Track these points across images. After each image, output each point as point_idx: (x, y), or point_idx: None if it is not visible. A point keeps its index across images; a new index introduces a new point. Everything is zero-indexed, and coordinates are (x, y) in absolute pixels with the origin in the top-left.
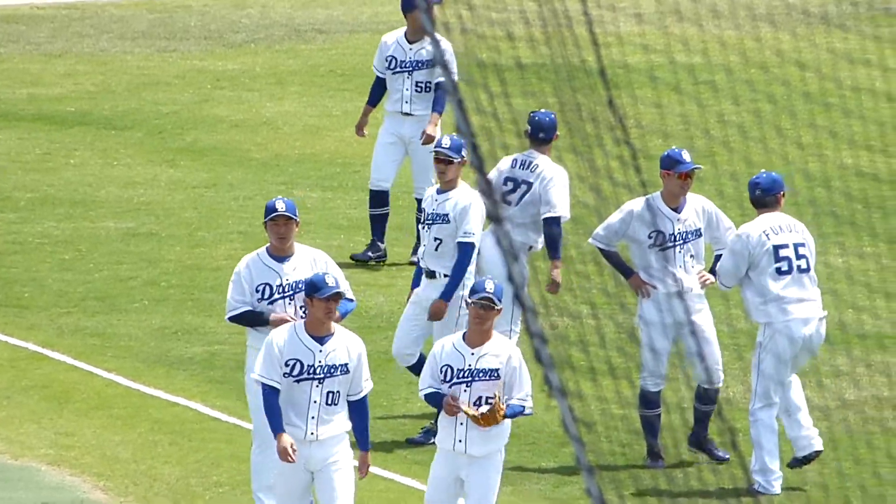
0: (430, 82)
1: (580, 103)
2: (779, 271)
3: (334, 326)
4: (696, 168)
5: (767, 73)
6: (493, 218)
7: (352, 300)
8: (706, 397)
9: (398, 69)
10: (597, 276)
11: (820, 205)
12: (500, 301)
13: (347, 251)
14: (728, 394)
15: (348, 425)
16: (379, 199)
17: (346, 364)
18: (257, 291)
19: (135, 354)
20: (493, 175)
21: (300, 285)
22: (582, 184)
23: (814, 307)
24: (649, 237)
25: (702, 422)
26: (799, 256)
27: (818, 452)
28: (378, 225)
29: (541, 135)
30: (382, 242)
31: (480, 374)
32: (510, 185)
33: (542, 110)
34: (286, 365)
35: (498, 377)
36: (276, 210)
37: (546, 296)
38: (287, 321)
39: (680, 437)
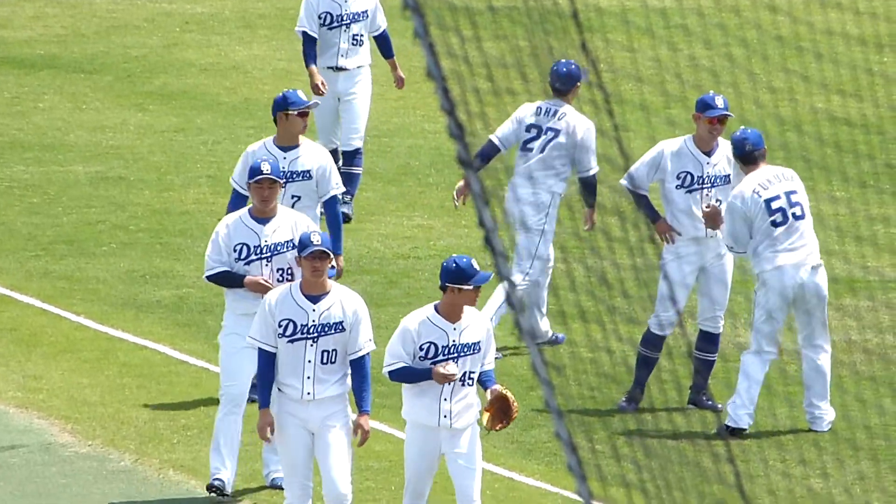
0: (363, 35)
1: (553, 47)
2: (774, 224)
3: (330, 284)
4: (726, 115)
5: (740, 16)
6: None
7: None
8: (708, 342)
9: (334, 24)
10: (568, 219)
11: (791, 149)
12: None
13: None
14: (739, 339)
15: (348, 386)
16: (349, 157)
17: (340, 322)
18: (235, 251)
19: (103, 298)
20: (510, 124)
21: (279, 247)
22: None
23: (805, 253)
24: (678, 177)
25: (700, 372)
26: (792, 204)
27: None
28: (355, 182)
29: (557, 85)
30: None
31: (465, 350)
32: (533, 133)
33: (563, 60)
34: (280, 325)
35: (480, 349)
36: (260, 172)
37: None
38: (261, 285)
39: (652, 380)
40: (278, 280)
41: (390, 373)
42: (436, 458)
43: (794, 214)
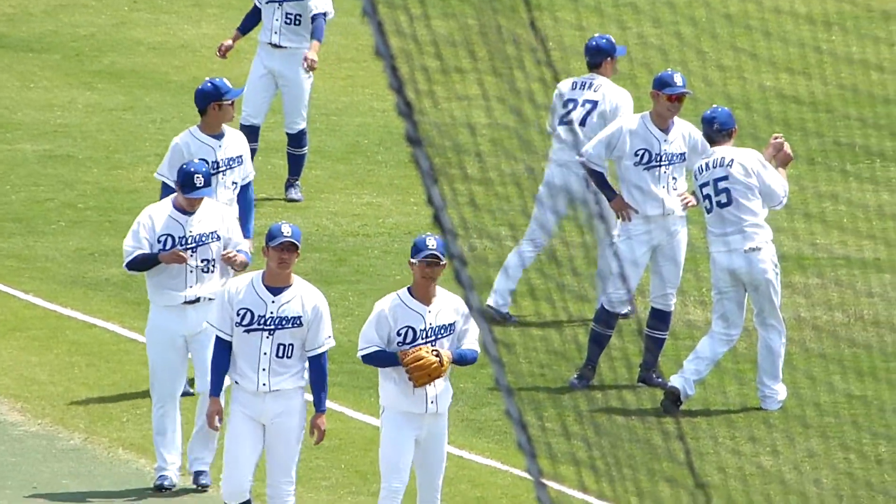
0: (300, 15)
1: (501, 25)
2: (706, 209)
3: (294, 278)
4: (684, 92)
5: None
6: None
7: (249, 256)
8: (659, 321)
9: (269, 0)
10: (517, 197)
11: (740, 127)
12: (444, 255)
13: (265, 173)
14: (689, 317)
15: (305, 381)
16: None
17: (298, 317)
18: (159, 242)
19: (52, 276)
20: (554, 102)
21: (204, 238)
22: (503, 105)
23: (737, 240)
24: (636, 154)
25: (651, 351)
26: (718, 191)
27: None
28: (298, 164)
29: (588, 59)
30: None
31: (442, 331)
32: (570, 106)
33: (597, 34)
34: (237, 314)
35: (454, 330)
36: (194, 186)
37: (466, 217)
38: (178, 256)
39: (601, 357)
40: (202, 271)
41: (363, 357)
42: (412, 444)
43: (718, 202)
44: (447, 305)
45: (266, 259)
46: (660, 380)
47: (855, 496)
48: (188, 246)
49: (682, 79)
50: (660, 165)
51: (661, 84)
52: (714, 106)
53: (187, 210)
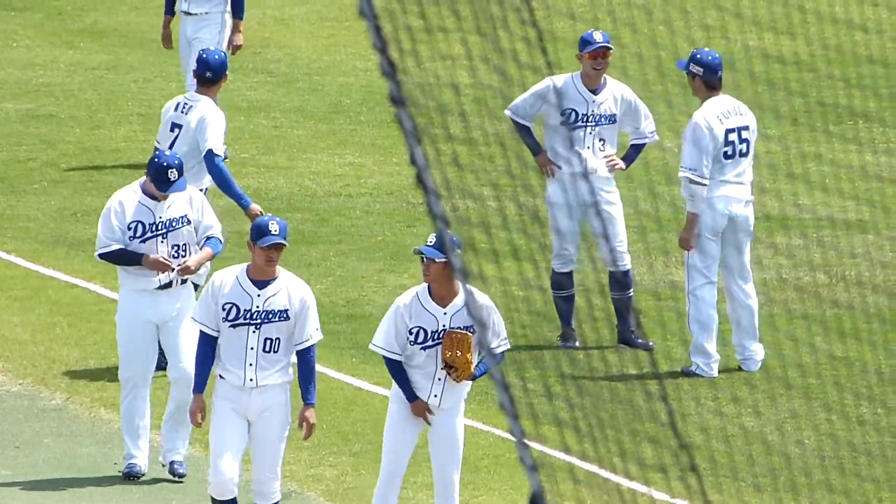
0: None
1: None
2: (725, 155)
3: (279, 271)
4: (604, 47)
5: None
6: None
7: (220, 241)
8: (619, 283)
9: None
10: (500, 157)
11: (725, 86)
12: (439, 254)
13: (247, 132)
14: (633, 274)
15: (290, 377)
16: None
17: (285, 310)
18: (129, 229)
19: (34, 236)
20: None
21: (174, 223)
22: (487, 65)
23: (741, 189)
24: (562, 114)
25: (622, 314)
26: (742, 140)
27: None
28: None
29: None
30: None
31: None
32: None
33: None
34: (223, 309)
35: (473, 331)
36: (168, 181)
37: (449, 178)
38: (161, 263)
39: (583, 318)
40: (173, 257)
41: (383, 356)
42: (415, 439)
43: (740, 151)
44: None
45: (252, 254)
46: (640, 340)
47: (837, 457)
48: (158, 232)
49: (604, 35)
50: (586, 126)
51: (583, 44)
52: (703, 48)
53: (157, 196)
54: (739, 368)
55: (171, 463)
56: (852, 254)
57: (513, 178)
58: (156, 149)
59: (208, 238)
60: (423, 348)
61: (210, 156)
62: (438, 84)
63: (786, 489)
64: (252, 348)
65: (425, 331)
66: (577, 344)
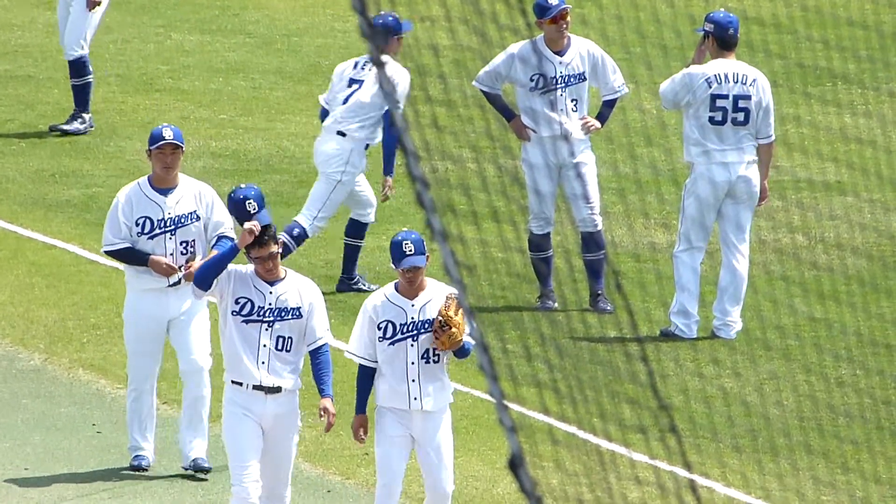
0: None
1: None
2: (711, 120)
3: (284, 271)
4: (562, 9)
5: None
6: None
7: (232, 239)
8: (592, 243)
9: None
10: (480, 119)
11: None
12: (425, 258)
13: (225, 94)
14: (612, 236)
15: (299, 384)
16: (76, 68)
17: (298, 308)
18: (137, 225)
19: (12, 197)
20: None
21: (183, 220)
22: (466, 27)
23: (737, 156)
24: (531, 80)
25: (590, 273)
26: (737, 109)
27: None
28: (80, 95)
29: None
30: (87, 112)
31: (426, 326)
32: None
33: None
34: (236, 303)
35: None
36: (162, 138)
37: (428, 139)
38: (164, 268)
39: (563, 280)
40: (181, 254)
41: (355, 361)
42: (407, 443)
43: (734, 119)
44: (436, 300)
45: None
46: (601, 304)
47: (816, 418)
48: (167, 228)
49: None
50: (556, 89)
51: (541, 10)
52: (725, 11)
53: (164, 188)
54: (713, 334)
55: (194, 460)
56: (831, 215)
57: (492, 139)
58: (324, 108)
59: (219, 238)
60: (392, 343)
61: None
62: (418, 46)
63: (765, 450)
64: (265, 345)
65: (393, 324)
66: (556, 305)
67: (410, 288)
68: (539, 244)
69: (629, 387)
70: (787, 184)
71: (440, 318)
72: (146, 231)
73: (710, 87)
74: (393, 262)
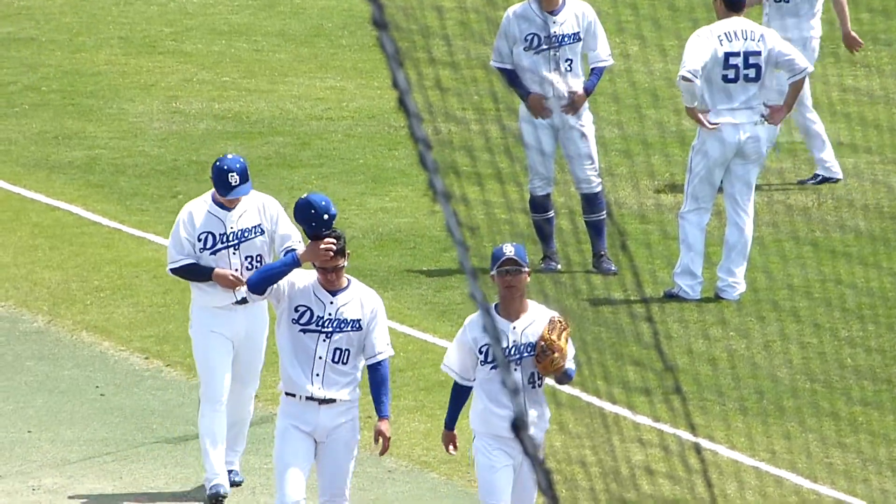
0: None
1: None
2: (725, 79)
3: (347, 280)
4: None
5: None
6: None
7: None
8: (587, 206)
9: None
10: (484, 80)
11: (678, 9)
12: (525, 261)
13: (228, 56)
14: (617, 197)
15: (357, 394)
16: None
17: (358, 320)
18: (199, 240)
19: (15, 159)
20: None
21: (246, 234)
22: None
23: (749, 115)
24: (526, 39)
25: (594, 233)
26: (748, 65)
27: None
28: None
29: None
30: None
31: (528, 350)
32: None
33: None
34: (295, 311)
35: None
36: (230, 186)
37: (432, 101)
38: (230, 280)
39: (569, 240)
40: (247, 269)
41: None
42: (510, 474)
43: (746, 76)
44: (539, 321)
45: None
46: (605, 265)
47: (825, 377)
48: (230, 243)
49: None
50: (550, 48)
51: None
52: None
53: (227, 205)
54: (717, 296)
55: (230, 472)
56: (843, 173)
57: (496, 101)
58: None
59: (286, 252)
60: (494, 367)
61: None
62: (421, 7)
63: (771, 411)
64: (321, 357)
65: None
66: (560, 266)
67: (511, 299)
68: (540, 204)
69: (634, 348)
70: (797, 143)
71: (542, 342)
72: (208, 246)
73: (722, 46)
74: (491, 269)
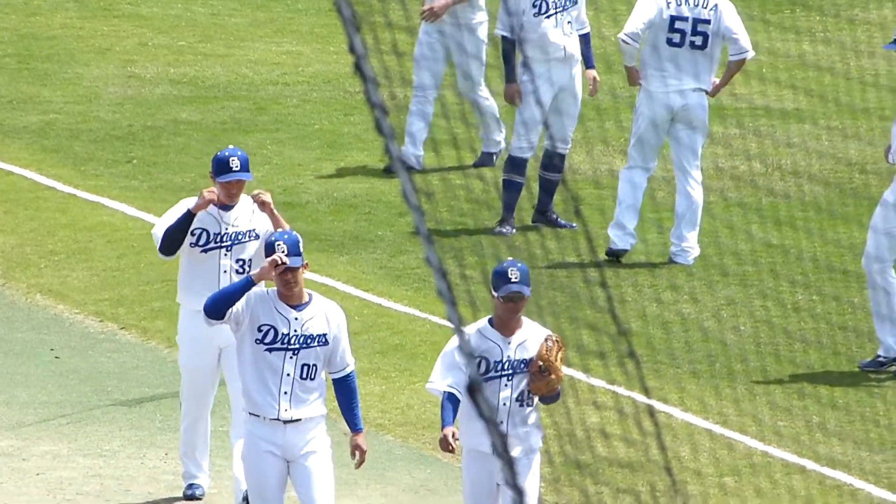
0: None
1: None
2: (669, 42)
3: (308, 294)
4: None
5: None
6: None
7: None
8: (553, 164)
9: None
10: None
11: None
12: (529, 284)
13: (184, 20)
14: (572, 162)
15: (325, 409)
16: None
17: (324, 334)
18: (192, 235)
19: None
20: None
21: (241, 237)
22: None
23: (693, 82)
24: (534, 6)
25: (549, 191)
26: (696, 32)
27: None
28: None
29: None
30: None
31: (522, 366)
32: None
33: None
34: (258, 331)
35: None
36: (230, 170)
37: (388, 66)
38: (210, 199)
39: (524, 205)
40: (237, 272)
41: (441, 395)
42: (493, 490)
43: (692, 42)
44: (532, 339)
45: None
46: (557, 218)
47: (773, 344)
48: (223, 244)
49: None
50: (557, 12)
51: None
52: None
53: (225, 204)
54: (671, 260)
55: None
56: (788, 143)
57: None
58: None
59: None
60: (486, 380)
61: None
62: None
63: (722, 376)
64: (288, 375)
65: (488, 361)
66: (514, 231)
67: (510, 319)
68: (518, 165)
69: (588, 312)
70: (744, 111)
71: (540, 362)
72: (201, 243)
73: (668, 9)
74: (493, 290)
